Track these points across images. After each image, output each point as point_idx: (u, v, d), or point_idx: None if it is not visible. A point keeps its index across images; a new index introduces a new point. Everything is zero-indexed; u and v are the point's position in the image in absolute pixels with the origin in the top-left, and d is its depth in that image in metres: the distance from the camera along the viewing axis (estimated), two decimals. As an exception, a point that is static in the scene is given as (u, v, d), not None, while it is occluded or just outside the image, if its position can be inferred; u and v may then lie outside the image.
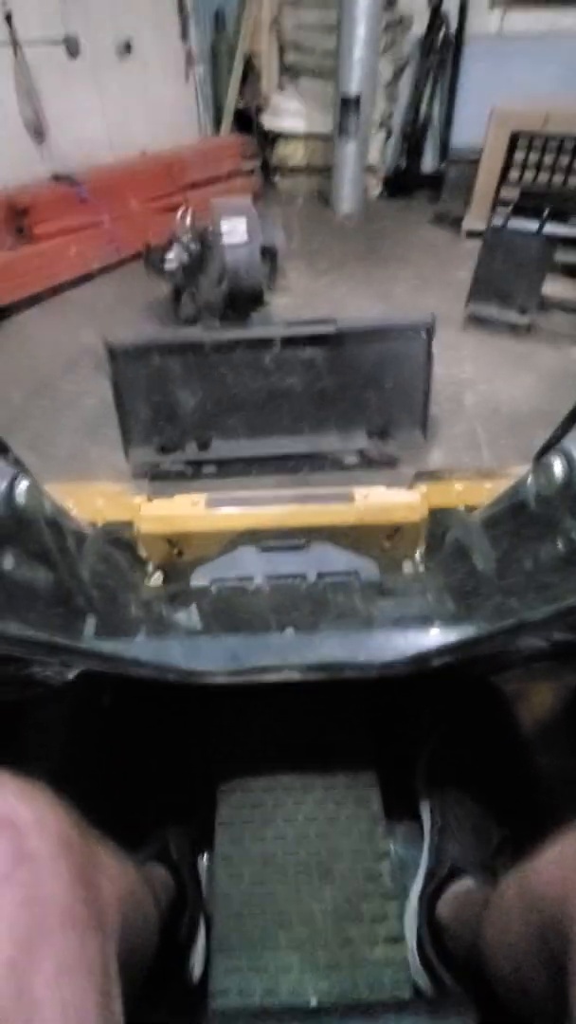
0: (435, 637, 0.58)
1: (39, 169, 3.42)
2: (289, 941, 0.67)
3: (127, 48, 3.83)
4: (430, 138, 4.74)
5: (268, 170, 4.96)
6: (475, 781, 0.76)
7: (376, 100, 4.31)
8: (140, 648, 0.61)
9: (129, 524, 0.92)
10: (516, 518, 0.69)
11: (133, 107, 4.00)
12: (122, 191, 3.56)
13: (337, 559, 0.82)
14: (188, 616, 0.86)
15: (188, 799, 0.80)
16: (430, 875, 0.70)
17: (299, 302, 3.18)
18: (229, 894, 0.71)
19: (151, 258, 2.74)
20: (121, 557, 0.88)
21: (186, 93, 4.52)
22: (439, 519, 0.89)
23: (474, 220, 3.71)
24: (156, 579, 0.99)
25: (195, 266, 2.62)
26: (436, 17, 4.24)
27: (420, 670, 0.56)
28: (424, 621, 0.75)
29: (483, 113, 3.53)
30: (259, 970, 0.65)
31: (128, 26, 3.79)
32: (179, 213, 2.74)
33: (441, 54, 4.40)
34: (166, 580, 0.99)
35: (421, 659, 0.55)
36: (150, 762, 0.81)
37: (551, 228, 2.53)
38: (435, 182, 4.66)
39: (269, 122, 4.74)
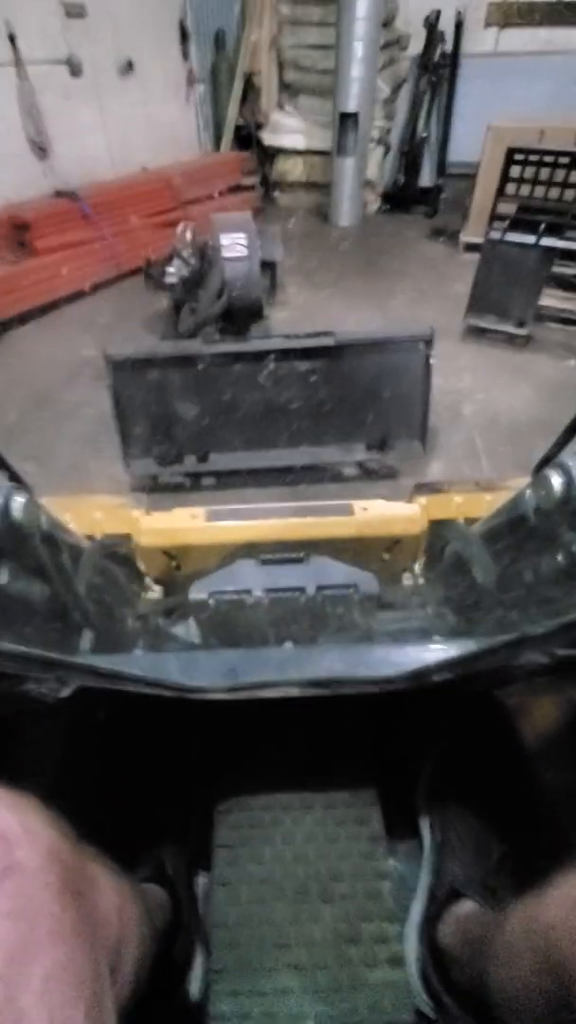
0: (435, 652, 0.57)
1: (41, 185, 3.46)
2: (288, 964, 0.65)
3: (129, 67, 3.90)
4: (427, 154, 4.81)
5: (268, 186, 5.02)
6: (476, 797, 0.75)
7: (374, 117, 4.37)
8: (136, 663, 0.61)
9: (127, 537, 0.91)
10: (516, 531, 0.69)
11: (134, 125, 4.06)
12: (123, 207, 3.60)
13: (336, 572, 0.82)
14: (186, 630, 0.85)
15: (185, 817, 0.78)
16: (430, 895, 0.68)
17: (298, 316, 3.20)
18: (226, 916, 0.70)
19: (151, 272, 2.77)
20: (119, 571, 0.88)
21: (187, 111, 4.59)
22: (438, 532, 0.88)
23: (471, 234, 3.74)
24: (155, 592, 0.99)
25: (195, 280, 2.64)
26: (433, 36, 4.32)
27: (420, 685, 0.55)
28: (424, 635, 0.74)
29: (479, 129, 3.58)
30: (257, 993, 0.63)
31: (130, 46, 3.86)
32: (179, 228, 2.77)
33: (438, 72, 4.47)
34: (165, 593, 0.99)
35: (421, 674, 0.54)
36: (146, 779, 0.80)
37: (548, 241, 2.55)
38: (433, 197, 4.72)
39: (269, 139, 4.81)
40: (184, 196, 3.92)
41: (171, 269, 2.63)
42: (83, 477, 2.05)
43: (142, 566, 0.95)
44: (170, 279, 2.64)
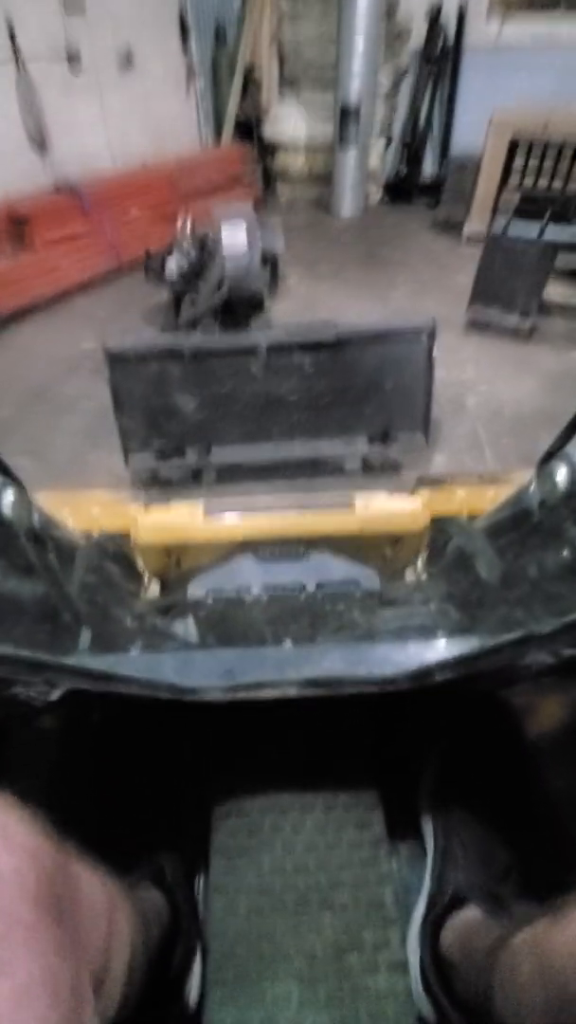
0: (438, 650, 0.56)
1: (41, 180, 3.43)
2: (287, 972, 0.63)
3: (129, 61, 3.86)
4: (430, 145, 4.76)
5: (269, 178, 4.98)
6: (480, 800, 0.73)
7: (376, 108, 4.33)
8: (132, 663, 0.59)
9: (125, 534, 0.90)
10: (520, 526, 0.67)
11: (134, 119, 4.02)
12: (123, 201, 3.57)
13: (337, 568, 0.80)
14: (184, 628, 0.84)
15: (182, 821, 0.76)
16: (433, 900, 0.66)
17: (299, 308, 3.17)
18: (224, 924, 0.68)
19: (151, 265, 2.75)
20: (115, 569, 0.86)
21: (187, 105, 4.54)
22: (441, 527, 0.86)
23: (474, 225, 3.70)
24: (153, 590, 0.97)
25: (195, 273, 2.62)
26: (435, 28, 4.27)
27: (423, 685, 0.54)
28: (427, 633, 0.72)
29: (482, 121, 3.54)
30: (256, 1003, 0.61)
31: (129, 39, 3.82)
32: (179, 220, 2.74)
33: (440, 64, 4.42)
34: (163, 590, 0.97)
35: (424, 674, 0.52)
36: (142, 781, 0.78)
37: (552, 232, 2.52)
38: (435, 188, 4.67)
39: (270, 132, 4.77)
40: (184, 190, 3.89)
41: (170, 262, 2.60)
42: (82, 472, 2.04)
43: (140, 562, 0.94)
44: (169, 272, 2.61)
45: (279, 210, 4.72)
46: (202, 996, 0.64)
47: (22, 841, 0.32)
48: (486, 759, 0.78)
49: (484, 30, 4.33)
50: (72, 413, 2.34)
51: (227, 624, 0.77)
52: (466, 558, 0.75)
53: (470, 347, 2.70)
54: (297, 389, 1.76)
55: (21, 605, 0.58)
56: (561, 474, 0.60)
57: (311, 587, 0.79)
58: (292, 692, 0.57)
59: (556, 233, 2.54)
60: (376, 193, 4.85)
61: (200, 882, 0.75)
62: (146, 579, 0.97)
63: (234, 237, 2.37)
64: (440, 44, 4.34)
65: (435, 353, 1.70)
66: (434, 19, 4.22)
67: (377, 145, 4.60)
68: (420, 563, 0.93)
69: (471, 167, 3.84)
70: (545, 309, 2.80)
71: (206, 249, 2.63)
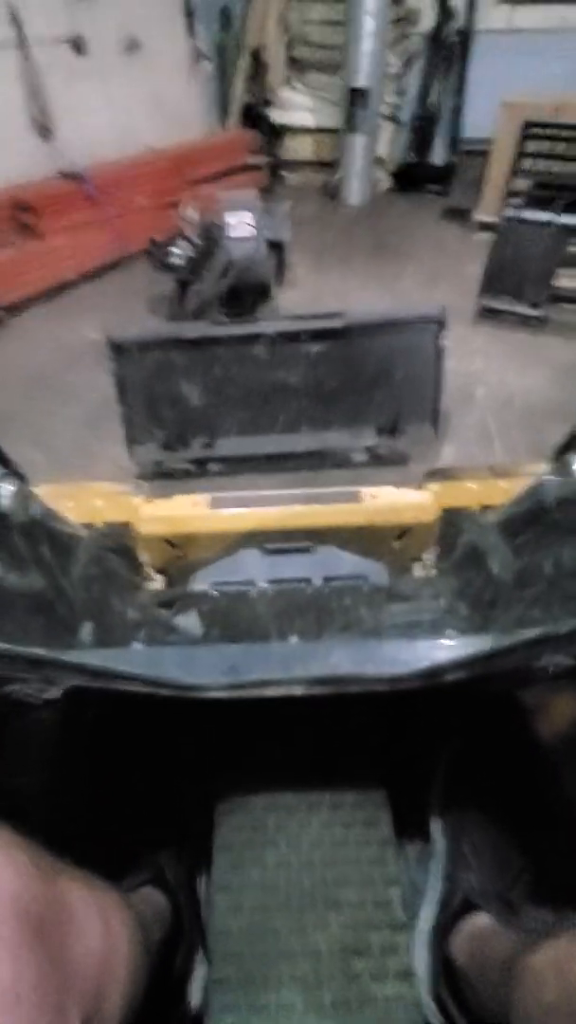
0: (449, 649, 0.54)
1: (45, 166, 3.39)
2: (292, 976, 0.62)
3: (133, 45, 3.80)
4: (439, 131, 4.68)
5: (276, 165, 4.91)
6: (491, 802, 0.71)
7: (384, 93, 4.25)
8: (133, 658, 0.58)
9: (128, 526, 0.88)
10: (535, 521, 0.64)
11: (139, 104, 3.97)
12: (128, 188, 3.53)
13: (344, 562, 0.78)
14: (187, 622, 0.82)
15: (184, 820, 0.75)
16: (442, 905, 0.65)
17: (306, 296, 3.13)
18: (227, 925, 0.67)
19: (156, 253, 2.71)
20: (118, 561, 0.84)
21: (193, 89, 4.48)
22: (451, 520, 0.84)
23: (485, 212, 3.64)
24: (156, 582, 0.96)
25: (200, 261, 2.58)
26: (444, 11, 4.19)
27: (433, 684, 0.52)
28: (437, 629, 0.70)
29: (492, 106, 3.47)
30: (259, 1008, 0.60)
31: (134, 23, 3.76)
32: (184, 208, 2.71)
33: (449, 48, 4.33)
34: (167, 583, 0.96)
35: (434, 673, 0.50)
36: (143, 779, 0.77)
37: (565, 218, 2.46)
38: (444, 175, 4.59)
39: (276, 116, 4.70)
40: (190, 176, 3.84)
41: (176, 250, 2.57)
42: (87, 463, 2.02)
43: (143, 555, 0.92)
44: (174, 260, 2.58)
45: (286, 197, 4.66)
46: (205, 998, 0.63)
47: (4, 881, 0.31)
48: (497, 759, 0.76)
49: (495, 13, 4.24)
50: (77, 403, 2.32)
51: (231, 618, 0.75)
52: (478, 553, 0.73)
53: (480, 337, 2.66)
54: (304, 379, 1.73)
55: (20, 599, 0.57)
56: (579, 467, 0.58)
57: (317, 581, 0.77)
58: (298, 690, 0.55)
59: (569, 219, 2.48)
60: (384, 180, 4.78)
61: (203, 880, 0.73)
62: (149, 572, 0.95)
63: (240, 225, 2.33)
64: (450, 28, 4.26)
65: (444, 343, 1.67)
66: (444, 2, 4.15)
67: (385, 130, 4.53)
68: (429, 558, 0.91)
69: (481, 154, 3.77)
70: (557, 298, 2.75)
71: (211, 237, 2.59)
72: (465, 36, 4.28)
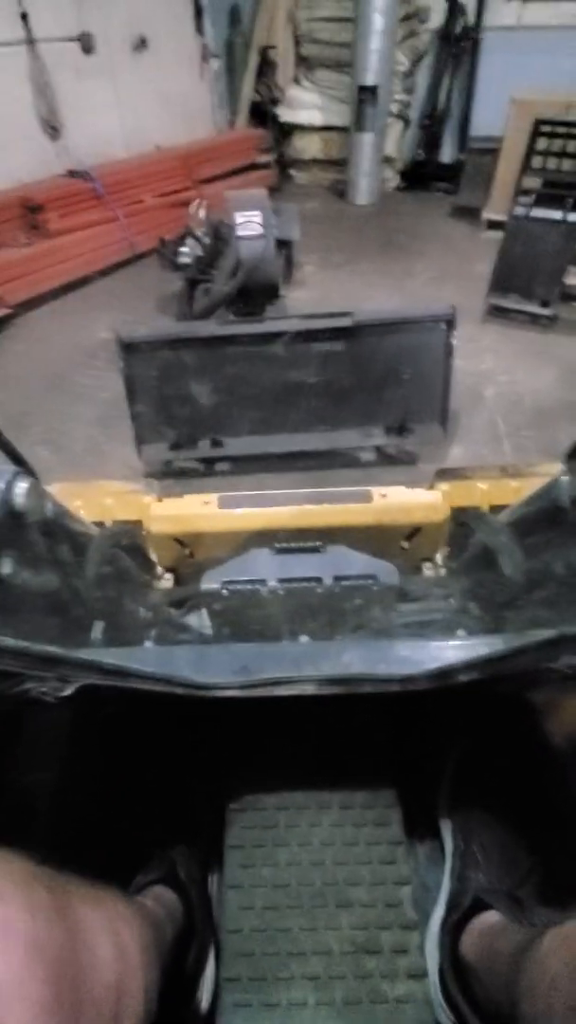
0: (461, 649, 0.54)
1: (54, 165, 3.41)
2: (303, 974, 0.62)
3: (142, 44, 3.80)
4: (448, 129, 4.65)
5: (284, 163, 4.91)
6: (502, 801, 0.71)
7: (393, 91, 4.23)
8: (146, 657, 0.58)
9: (138, 524, 0.88)
10: (548, 521, 0.64)
11: (148, 102, 3.97)
12: (137, 186, 3.54)
13: (354, 562, 0.78)
14: (198, 621, 0.83)
15: (196, 817, 0.75)
16: (452, 903, 0.65)
17: (315, 295, 3.13)
18: (239, 923, 0.67)
19: (165, 252, 2.72)
20: (129, 560, 0.85)
21: (201, 88, 4.48)
22: (462, 521, 0.84)
23: (494, 210, 3.62)
24: (166, 582, 0.96)
25: (209, 260, 2.59)
26: (454, 8, 4.17)
27: (445, 685, 0.52)
28: (448, 629, 0.70)
29: (502, 104, 3.44)
30: (270, 1006, 0.60)
31: (143, 22, 3.76)
32: (192, 206, 2.71)
33: (459, 45, 4.31)
34: (176, 582, 0.96)
35: (446, 674, 0.50)
36: (156, 776, 0.77)
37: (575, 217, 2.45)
38: (454, 173, 4.57)
39: (285, 115, 4.69)
40: (198, 175, 3.85)
41: (184, 249, 2.57)
42: (98, 462, 2.03)
43: (153, 554, 0.93)
44: (183, 259, 2.59)
45: (294, 196, 4.65)
46: (215, 996, 0.63)
47: (22, 902, 0.31)
48: (508, 759, 0.76)
49: (505, 10, 4.22)
50: (88, 403, 2.33)
51: (242, 618, 0.76)
52: (489, 553, 0.73)
53: (489, 336, 2.65)
54: (313, 378, 1.73)
55: (35, 598, 0.57)
56: (594, 468, 0.57)
57: (328, 580, 0.77)
58: (309, 690, 0.56)
59: (580, 218, 2.47)
60: (393, 178, 4.76)
61: (214, 879, 0.74)
62: (159, 571, 0.96)
63: (249, 223, 2.33)
64: (459, 25, 4.23)
65: (454, 342, 1.66)
66: (453, -1, 4.12)
67: (394, 128, 4.51)
68: (440, 558, 0.91)
69: (491, 152, 3.74)
70: (567, 297, 2.73)
71: (220, 236, 2.59)
72: (475, 32, 4.25)
